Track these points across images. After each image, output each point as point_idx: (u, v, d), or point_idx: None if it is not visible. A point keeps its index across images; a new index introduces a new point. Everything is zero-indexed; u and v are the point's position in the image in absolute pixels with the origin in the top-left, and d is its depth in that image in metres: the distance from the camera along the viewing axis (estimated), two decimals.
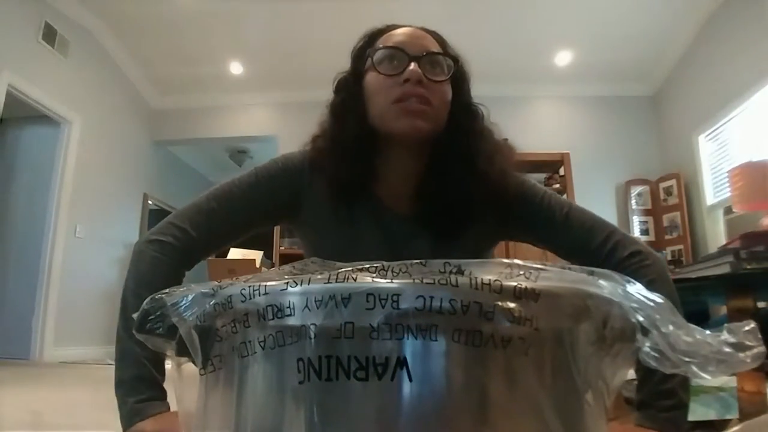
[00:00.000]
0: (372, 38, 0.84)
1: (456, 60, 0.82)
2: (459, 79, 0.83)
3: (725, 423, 1.07)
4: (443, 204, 0.80)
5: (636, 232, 4.44)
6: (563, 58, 4.52)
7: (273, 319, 0.40)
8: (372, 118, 0.80)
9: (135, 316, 0.47)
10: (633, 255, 0.77)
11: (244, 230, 0.85)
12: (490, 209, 0.82)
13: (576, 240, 0.81)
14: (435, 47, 0.81)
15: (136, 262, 0.76)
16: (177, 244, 0.77)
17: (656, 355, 0.39)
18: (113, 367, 0.71)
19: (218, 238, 0.82)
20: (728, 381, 1.10)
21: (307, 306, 0.38)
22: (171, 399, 0.63)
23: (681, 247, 4.17)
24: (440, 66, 0.80)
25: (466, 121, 0.83)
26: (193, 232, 0.78)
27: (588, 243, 0.80)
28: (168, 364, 0.70)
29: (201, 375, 0.45)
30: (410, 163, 0.83)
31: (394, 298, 0.37)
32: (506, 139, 0.88)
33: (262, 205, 0.84)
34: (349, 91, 0.84)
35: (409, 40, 0.80)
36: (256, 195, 0.83)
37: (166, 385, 0.71)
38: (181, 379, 0.48)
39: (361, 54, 0.84)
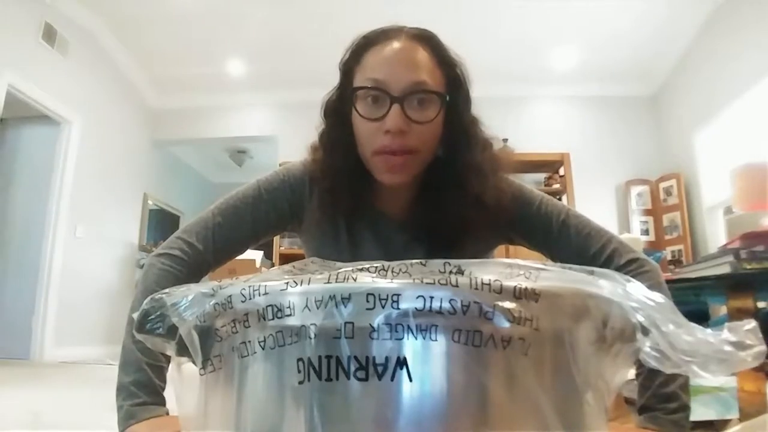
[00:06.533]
0: (358, 51, 0.79)
1: (452, 86, 0.78)
2: (454, 101, 0.78)
3: (725, 423, 1.07)
4: (437, 224, 0.81)
5: (636, 232, 4.44)
6: (563, 58, 4.52)
7: (273, 319, 0.40)
8: (360, 153, 0.79)
9: (135, 315, 0.47)
10: (630, 262, 0.77)
11: (250, 242, 0.87)
12: (485, 222, 0.81)
13: (573, 247, 0.81)
14: (425, 72, 0.74)
15: (145, 275, 0.78)
16: (185, 258, 0.79)
17: (657, 354, 0.39)
18: (113, 367, 0.71)
19: (225, 250, 0.84)
20: (728, 381, 1.10)
21: (307, 306, 0.38)
22: (172, 402, 0.63)
23: (681, 247, 4.17)
24: (428, 102, 0.74)
25: (460, 145, 0.80)
26: (200, 246, 0.80)
27: (585, 250, 0.80)
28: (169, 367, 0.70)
29: (201, 375, 0.45)
30: (404, 188, 0.83)
31: (394, 298, 0.37)
32: (506, 140, 0.88)
33: (265, 218, 0.85)
34: (337, 120, 0.81)
35: (395, 70, 0.73)
36: (259, 208, 0.85)
37: (168, 388, 0.71)
38: (181, 380, 0.48)
39: (348, 70, 0.80)
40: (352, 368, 0.36)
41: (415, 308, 0.36)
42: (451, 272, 0.42)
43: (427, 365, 0.37)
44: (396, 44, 0.76)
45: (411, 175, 0.78)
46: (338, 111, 0.82)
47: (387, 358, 0.36)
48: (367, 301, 0.37)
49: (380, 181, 0.78)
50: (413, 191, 0.84)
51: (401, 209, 0.86)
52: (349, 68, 0.80)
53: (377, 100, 0.74)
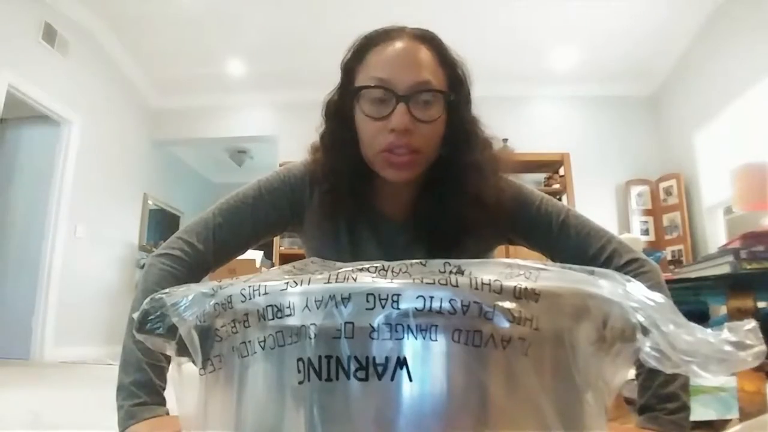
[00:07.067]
0: (361, 51, 0.79)
1: (454, 86, 0.78)
2: (456, 101, 0.78)
3: (725, 423, 1.07)
4: (438, 224, 0.81)
5: (636, 232, 4.44)
6: (563, 58, 4.52)
7: (273, 319, 0.40)
8: (363, 153, 0.79)
9: (135, 316, 0.47)
10: (630, 262, 0.78)
11: (251, 242, 0.87)
12: (486, 222, 0.82)
13: (573, 248, 0.81)
14: (428, 71, 0.75)
15: (146, 275, 0.78)
16: (185, 258, 0.79)
17: (657, 354, 0.39)
18: (113, 367, 0.71)
19: (225, 250, 0.84)
20: (728, 381, 1.10)
21: (307, 306, 0.38)
22: (172, 402, 0.63)
23: (681, 247, 4.17)
24: (433, 101, 0.74)
25: (461, 145, 0.80)
26: (201, 246, 0.81)
27: (585, 251, 0.80)
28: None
29: (201, 375, 0.45)
30: (405, 188, 0.84)
31: (394, 298, 0.37)
32: (506, 140, 0.88)
33: (265, 218, 0.85)
34: (339, 120, 0.81)
35: (399, 69, 0.74)
36: (259, 208, 0.85)
37: (168, 388, 0.71)
38: (181, 380, 0.48)
39: (350, 70, 0.80)
40: (352, 368, 0.36)
41: (415, 308, 0.36)
42: (451, 272, 0.42)
43: (427, 365, 0.37)
44: (399, 44, 0.76)
45: (415, 172, 0.78)
46: (340, 111, 0.81)
47: (387, 358, 0.36)
48: (367, 301, 0.37)
49: (384, 177, 0.78)
50: (414, 191, 0.84)
51: (402, 209, 0.86)
52: (350, 68, 0.80)
53: (382, 100, 0.74)
